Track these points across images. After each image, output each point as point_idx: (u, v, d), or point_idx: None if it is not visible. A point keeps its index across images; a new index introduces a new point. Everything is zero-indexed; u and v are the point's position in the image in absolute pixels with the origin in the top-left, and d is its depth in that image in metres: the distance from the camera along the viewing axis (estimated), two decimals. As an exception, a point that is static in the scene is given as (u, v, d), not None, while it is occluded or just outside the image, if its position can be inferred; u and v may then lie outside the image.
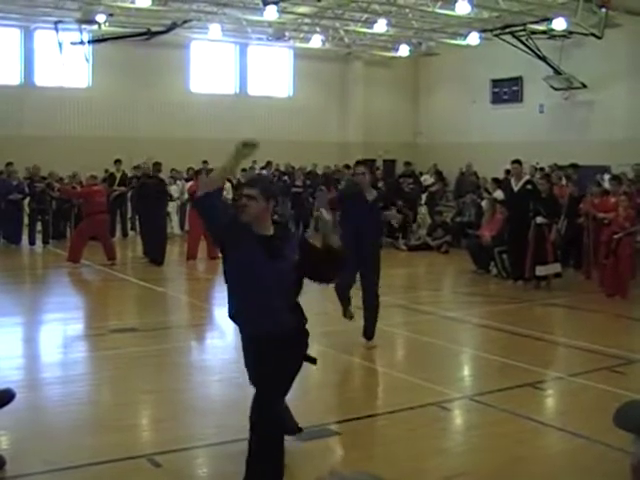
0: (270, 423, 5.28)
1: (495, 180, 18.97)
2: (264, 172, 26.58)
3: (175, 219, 24.25)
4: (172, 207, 21.14)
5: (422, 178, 27.26)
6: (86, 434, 6.77)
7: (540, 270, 14.77)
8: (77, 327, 11.84)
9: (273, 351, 5.28)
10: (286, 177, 26.47)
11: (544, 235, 14.76)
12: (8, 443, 6.47)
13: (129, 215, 23.51)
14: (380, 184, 24.25)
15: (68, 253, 17.50)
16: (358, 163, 11.10)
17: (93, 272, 16.95)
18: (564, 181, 19.36)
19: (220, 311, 13.19)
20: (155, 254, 17.85)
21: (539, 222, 14.71)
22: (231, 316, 5.54)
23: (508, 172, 18.54)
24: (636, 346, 10.33)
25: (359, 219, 9.81)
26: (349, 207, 10.07)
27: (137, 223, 21.88)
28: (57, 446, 6.40)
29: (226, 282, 5.48)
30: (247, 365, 5.70)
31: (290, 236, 5.65)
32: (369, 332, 10.01)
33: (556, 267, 15.01)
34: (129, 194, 22.58)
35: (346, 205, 10.18)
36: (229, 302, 5.50)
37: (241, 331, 5.58)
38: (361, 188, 10.14)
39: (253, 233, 5.35)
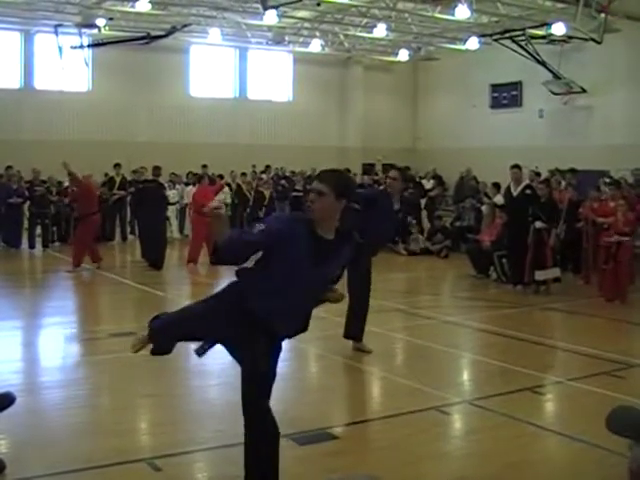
0: (265, 418, 5.23)
1: (495, 185, 18.98)
2: (264, 176, 26.59)
3: (174, 223, 24.28)
4: (171, 211, 21.14)
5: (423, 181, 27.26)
6: (85, 438, 6.76)
7: (539, 275, 14.78)
8: (76, 331, 11.82)
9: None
10: (283, 181, 26.49)
11: (543, 240, 14.77)
12: (8, 447, 6.46)
13: (128, 219, 23.51)
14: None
15: (73, 260, 17.53)
16: (392, 168, 10.90)
17: (92, 276, 16.95)
18: (563, 185, 19.37)
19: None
20: (154, 258, 17.84)
21: (538, 227, 14.72)
22: (262, 316, 5.16)
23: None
24: (635, 351, 10.33)
25: (379, 223, 9.66)
26: (374, 209, 9.70)
27: (136, 227, 21.88)
28: (56, 450, 6.39)
29: (261, 280, 5.15)
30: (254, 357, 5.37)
31: (348, 240, 5.21)
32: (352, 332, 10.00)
33: (555, 272, 15.03)
34: (128, 198, 22.58)
35: (372, 206, 9.70)
36: (260, 300, 5.14)
37: (264, 330, 5.23)
38: (389, 193, 10.00)
39: (309, 235, 4.99)
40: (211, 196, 18.11)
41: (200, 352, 5.54)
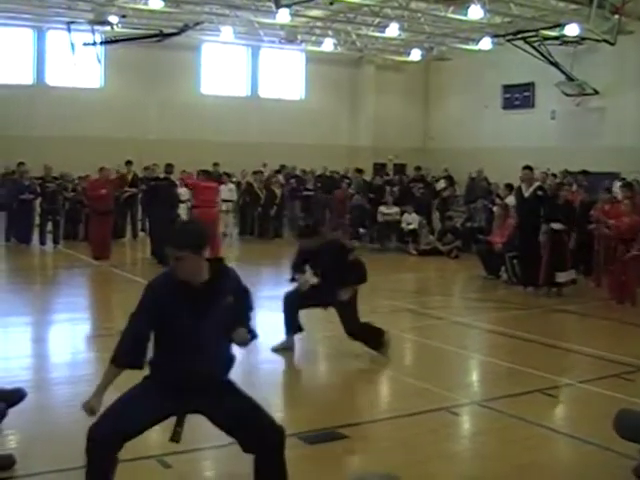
0: None
1: (508, 186, 18.93)
2: (280, 176, 26.51)
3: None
4: (182, 209, 21.13)
5: (437, 184, 27.16)
6: (95, 434, 6.77)
7: (560, 277, 14.73)
8: (86, 327, 11.86)
9: None
10: (293, 180, 26.47)
11: (563, 241, 14.73)
12: (17, 442, 6.47)
13: (139, 216, 23.53)
14: (394, 189, 24.33)
15: (98, 252, 17.92)
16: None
17: (103, 273, 16.98)
18: (575, 187, 19.31)
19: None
20: (164, 255, 17.84)
21: (557, 228, 14.66)
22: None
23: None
24: (646, 354, 10.30)
25: (330, 270, 9.69)
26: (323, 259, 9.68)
27: (147, 224, 21.93)
28: (66, 446, 6.39)
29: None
30: None
31: (225, 276, 5.20)
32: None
33: (571, 273, 15.01)
34: (139, 195, 22.61)
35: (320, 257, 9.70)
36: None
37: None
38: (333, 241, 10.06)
39: (181, 289, 5.03)
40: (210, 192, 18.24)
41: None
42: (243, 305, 5.29)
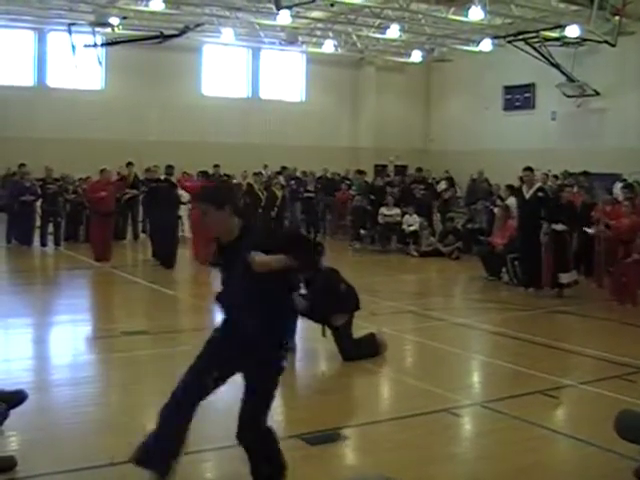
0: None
1: (509, 187, 18.92)
2: (281, 178, 26.51)
3: (186, 222, 24.26)
4: (183, 210, 21.14)
5: (438, 185, 27.15)
6: (96, 436, 6.77)
7: (563, 278, 14.73)
8: (87, 329, 11.85)
9: None
10: (293, 182, 26.46)
11: (565, 242, 14.72)
12: (19, 444, 6.47)
13: (140, 218, 23.53)
14: (395, 190, 24.31)
15: (99, 253, 17.99)
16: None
17: (104, 274, 16.97)
18: (576, 189, 19.31)
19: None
20: (166, 257, 17.86)
21: (560, 229, 14.66)
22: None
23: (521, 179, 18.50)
24: (647, 355, 10.29)
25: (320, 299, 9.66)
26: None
27: (147, 226, 21.94)
28: (67, 447, 6.41)
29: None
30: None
31: (247, 234, 5.31)
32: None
33: (574, 274, 15.02)
34: (141, 197, 22.61)
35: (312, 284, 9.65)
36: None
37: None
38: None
39: (218, 246, 5.40)
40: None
41: None
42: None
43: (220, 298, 5.47)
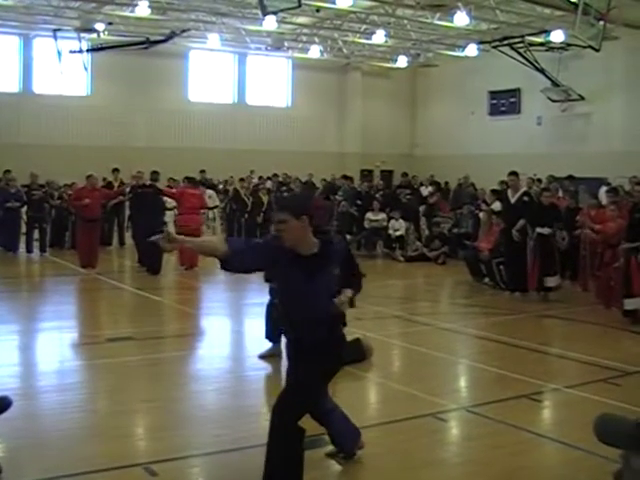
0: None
1: (494, 191, 18.98)
2: (269, 182, 26.57)
3: (172, 228, 24.23)
4: (169, 216, 21.11)
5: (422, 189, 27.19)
6: (82, 442, 6.76)
7: (550, 281, 14.77)
8: (73, 335, 11.81)
9: None
10: (284, 188, 26.48)
11: (550, 246, 14.77)
12: (4, 451, 6.45)
13: (126, 224, 23.48)
14: (378, 195, 24.34)
15: (85, 260, 17.91)
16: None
17: (89, 281, 16.93)
18: (561, 193, 19.37)
19: (216, 320, 13.23)
20: (151, 263, 17.83)
21: (547, 233, 14.70)
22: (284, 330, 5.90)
23: (503, 183, 18.54)
24: (631, 358, 10.32)
25: None
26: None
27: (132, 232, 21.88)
28: (53, 454, 6.39)
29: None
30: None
31: (332, 251, 5.55)
32: None
33: (559, 278, 15.07)
34: (127, 203, 22.55)
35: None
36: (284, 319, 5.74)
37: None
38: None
39: (294, 255, 5.36)
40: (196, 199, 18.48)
41: None
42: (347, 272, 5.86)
43: (290, 312, 5.62)
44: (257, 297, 12.72)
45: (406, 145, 36.68)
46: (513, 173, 15.49)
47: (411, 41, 30.62)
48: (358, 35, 29.53)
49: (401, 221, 22.06)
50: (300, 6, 20.91)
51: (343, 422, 6.35)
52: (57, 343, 11.22)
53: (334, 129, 35.81)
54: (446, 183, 29.61)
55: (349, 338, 9.84)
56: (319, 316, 5.51)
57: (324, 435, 6.88)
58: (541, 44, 27.09)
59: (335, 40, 31.17)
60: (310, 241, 5.37)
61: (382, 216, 22.44)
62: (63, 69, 28.01)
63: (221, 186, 25.89)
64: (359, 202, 23.60)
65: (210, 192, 24.44)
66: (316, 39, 30.89)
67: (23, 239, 21.32)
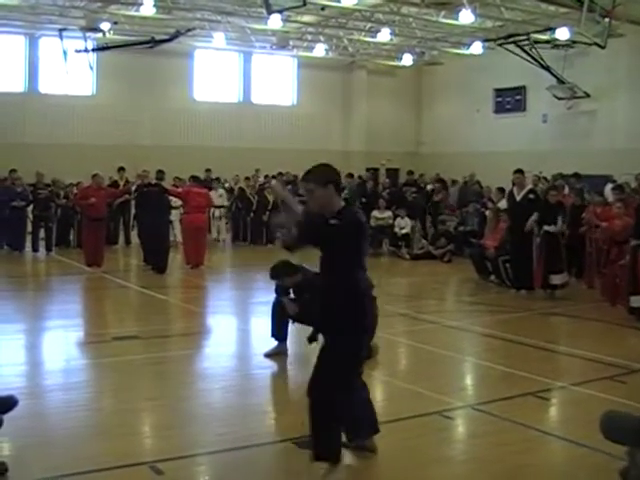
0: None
1: (500, 189, 18.95)
2: (273, 181, 26.55)
3: (177, 227, 24.27)
4: (174, 215, 21.13)
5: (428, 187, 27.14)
6: (88, 441, 6.77)
7: (556, 279, 14.75)
8: (79, 334, 11.83)
9: None
10: (289, 186, 26.43)
11: (556, 243, 14.75)
12: (10, 450, 6.46)
13: (132, 223, 23.49)
14: (384, 193, 24.33)
15: (91, 258, 18.02)
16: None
17: (95, 279, 16.95)
18: (567, 190, 19.35)
19: (221, 319, 13.23)
20: (157, 262, 17.85)
21: (553, 231, 14.69)
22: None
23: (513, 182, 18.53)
24: (637, 355, 10.30)
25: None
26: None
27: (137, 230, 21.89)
28: (59, 453, 6.40)
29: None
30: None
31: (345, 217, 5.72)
32: None
33: (565, 276, 15.05)
34: (132, 202, 22.57)
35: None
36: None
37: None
38: None
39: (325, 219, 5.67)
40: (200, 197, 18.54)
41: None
42: None
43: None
44: (263, 296, 12.75)
45: (411, 143, 36.63)
46: (519, 171, 15.47)
47: (416, 39, 30.58)
48: (363, 33, 29.51)
49: (407, 219, 22.06)
50: (305, 4, 20.93)
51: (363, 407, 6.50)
52: (63, 342, 11.24)
53: (339, 127, 35.78)
54: (453, 182, 29.58)
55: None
56: (329, 285, 5.82)
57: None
58: (546, 41, 27.01)
59: (340, 38, 31.14)
60: (335, 208, 5.71)
61: (388, 214, 22.44)
62: (69, 68, 28.02)
63: (227, 185, 25.88)
64: (364, 200, 23.57)
65: (221, 191, 24.49)
66: (321, 37, 30.86)
67: (29, 238, 21.35)
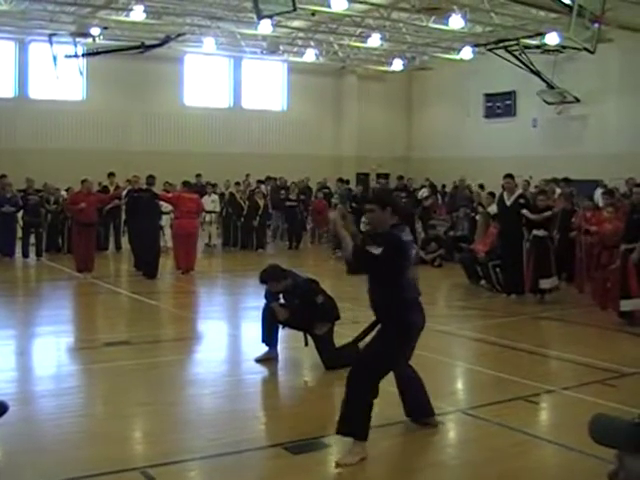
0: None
1: (491, 194, 18.99)
2: (262, 187, 26.62)
3: (168, 232, 24.25)
4: (165, 220, 21.12)
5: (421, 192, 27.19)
6: (79, 447, 6.75)
7: (544, 283, 14.77)
8: (70, 340, 11.80)
9: None
10: (283, 191, 26.46)
11: (546, 248, 14.78)
12: (1, 456, 6.46)
13: (122, 228, 23.46)
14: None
15: (81, 264, 17.89)
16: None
17: (86, 285, 16.93)
18: (557, 194, 19.39)
19: (212, 324, 13.22)
20: (148, 267, 17.83)
21: (541, 235, 14.72)
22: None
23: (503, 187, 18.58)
24: (628, 359, 10.33)
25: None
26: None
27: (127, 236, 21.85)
28: (50, 459, 6.38)
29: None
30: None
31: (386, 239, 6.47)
32: None
33: (555, 280, 15.06)
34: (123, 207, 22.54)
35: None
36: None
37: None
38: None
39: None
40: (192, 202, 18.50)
41: None
42: None
43: None
44: (253, 301, 12.73)
45: (402, 148, 36.71)
46: (509, 175, 15.51)
47: (406, 44, 30.68)
48: (354, 38, 29.58)
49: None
50: (295, 10, 20.92)
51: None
52: (54, 348, 11.22)
53: (330, 132, 35.84)
54: (443, 186, 29.67)
55: (346, 342, 9.89)
56: (374, 296, 7.11)
57: (321, 438, 6.90)
58: (536, 47, 27.15)
59: (330, 44, 31.22)
60: (387, 226, 6.51)
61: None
62: (59, 74, 28.03)
63: (218, 190, 25.90)
64: (354, 205, 23.56)
65: (214, 197, 24.50)
66: (311, 43, 30.92)
67: (19, 244, 21.30)
